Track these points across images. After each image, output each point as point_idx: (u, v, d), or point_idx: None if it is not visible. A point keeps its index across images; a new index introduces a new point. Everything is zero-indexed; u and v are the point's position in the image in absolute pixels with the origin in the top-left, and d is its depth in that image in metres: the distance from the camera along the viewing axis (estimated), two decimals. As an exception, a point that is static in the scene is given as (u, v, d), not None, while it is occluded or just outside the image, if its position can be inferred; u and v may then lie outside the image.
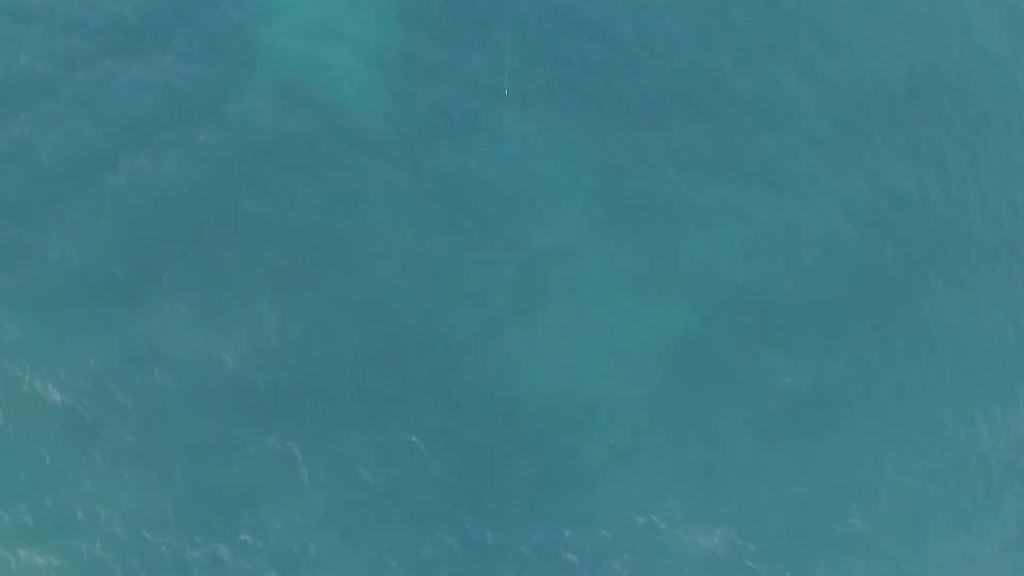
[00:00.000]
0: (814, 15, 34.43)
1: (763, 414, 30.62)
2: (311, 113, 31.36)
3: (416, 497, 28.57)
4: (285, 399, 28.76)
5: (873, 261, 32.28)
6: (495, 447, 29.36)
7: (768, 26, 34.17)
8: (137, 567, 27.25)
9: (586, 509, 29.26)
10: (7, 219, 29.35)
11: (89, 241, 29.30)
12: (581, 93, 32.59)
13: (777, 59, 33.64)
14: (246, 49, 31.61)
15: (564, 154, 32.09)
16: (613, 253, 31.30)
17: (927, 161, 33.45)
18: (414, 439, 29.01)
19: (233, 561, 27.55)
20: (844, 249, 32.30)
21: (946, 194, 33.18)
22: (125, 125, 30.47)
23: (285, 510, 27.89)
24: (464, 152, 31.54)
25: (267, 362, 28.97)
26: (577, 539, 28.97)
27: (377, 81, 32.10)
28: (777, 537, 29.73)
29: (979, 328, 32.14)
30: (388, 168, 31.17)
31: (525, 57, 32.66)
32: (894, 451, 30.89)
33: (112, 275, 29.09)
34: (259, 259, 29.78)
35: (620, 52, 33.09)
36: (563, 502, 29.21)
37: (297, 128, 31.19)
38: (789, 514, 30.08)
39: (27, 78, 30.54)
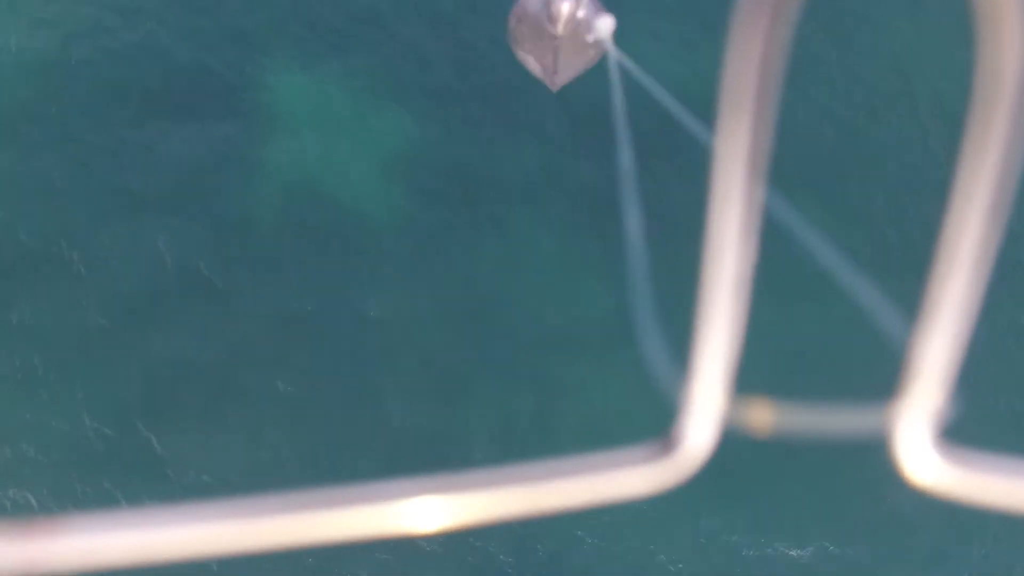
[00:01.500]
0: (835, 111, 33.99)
1: (785, 534, 29.59)
2: (313, 222, 30.88)
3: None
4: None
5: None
6: (510, 557, 28.51)
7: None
8: None
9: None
10: None
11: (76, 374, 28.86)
12: (594, 201, 32.16)
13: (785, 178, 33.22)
14: (242, 162, 31.26)
15: (580, 268, 31.59)
16: (631, 378, 30.55)
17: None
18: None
19: None
20: (864, 365, 31.44)
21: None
22: (116, 234, 30.16)
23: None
24: (480, 257, 30.99)
25: (265, 484, 28.16)
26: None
27: (384, 189, 31.75)
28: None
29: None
30: (393, 282, 30.64)
31: (535, 172, 32.32)
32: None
33: (99, 395, 28.58)
34: (259, 381, 29.14)
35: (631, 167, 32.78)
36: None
37: (296, 242, 30.77)
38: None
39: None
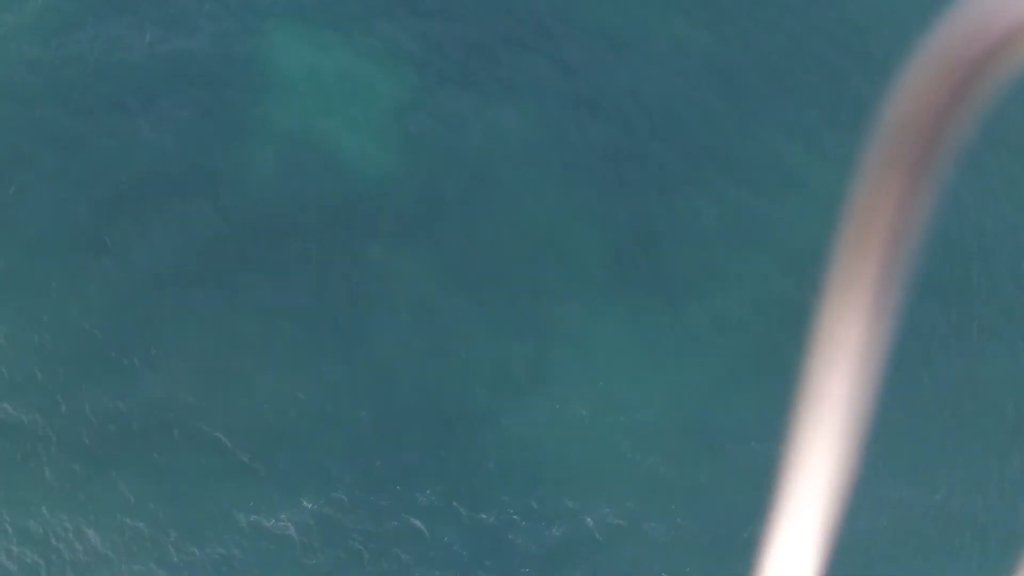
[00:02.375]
0: (823, 98, 34.08)
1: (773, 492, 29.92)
2: (310, 187, 31.04)
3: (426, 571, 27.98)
4: (285, 481, 28.17)
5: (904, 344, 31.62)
6: (502, 524, 28.73)
7: (777, 104, 33.92)
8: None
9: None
10: None
11: (77, 316, 28.87)
12: (589, 166, 32.25)
13: (787, 136, 33.29)
14: (246, 130, 31.31)
15: (572, 227, 31.70)
16: (623, 325, 30.82)
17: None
18: (417, 519, 28.39)
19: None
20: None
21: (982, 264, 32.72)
22: (112, 198, 30.17)
23: (283, 591, 27.37)
24: (479, 218, 31.19)
25: (267, 445, 28.40)
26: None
27: (381, 159, 31.85)
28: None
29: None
30: (390, 246, 30.82)
31: (530, 132, 32.34)
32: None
33: (108, 346, 28.68)
34: (255, 336, 29.29)
35: (624, 130, 32.84)
36: (575, 573, 28.58)
37: (295, 202, 30.86)
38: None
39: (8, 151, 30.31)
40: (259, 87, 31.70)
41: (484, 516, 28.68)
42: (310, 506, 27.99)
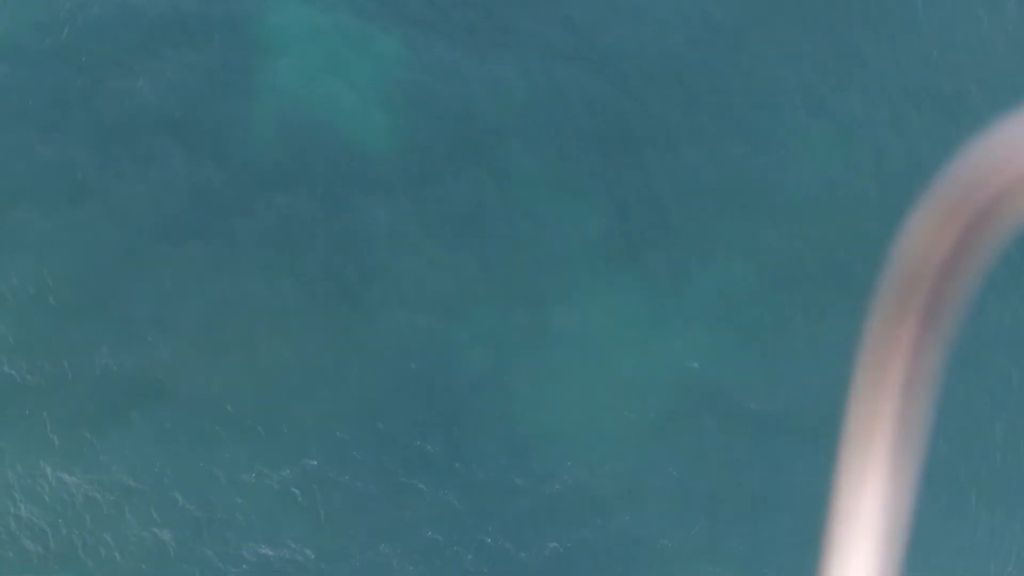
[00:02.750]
0: (824, 58, 33.97)
1: (774, 449, 30.16)
2: (313, 150, 31.05)
3: (420, 537, 28.25)
4: (286, 437, 28.46)
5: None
6: (501, 484, 29.02)
7: (778, 66, 33.81)
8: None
9: (595, 545, 28.90)
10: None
11: (83, 273, 29.13)
12: (588, 131, 32.22)
13: (787, 96, 33.20)
14: (247, 81, 31.26)
15: (571, 190, 31.74)
16: (620, 291, 30.92)
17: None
18: (418, 481, 28.67)
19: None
20: (851, 284, 31.85)
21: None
22: (121, 160, 30.20)
23: (285, 549, 27.62)
24: (471, 186, 31.23)
25: (267, 398, 28.68)
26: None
27: (382, 119, 31.80)
28: (790, 574, 29.35)
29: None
30: (391, 207, 30.87)
31: (530, 95, 32.28)
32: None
33: (110, 309, 28.87)
34: (260, 301, 29.46)
35: (626, 82, 32.74)
36: (571, 538, 28.86)
37: (298, 165, 30.89)
38: (801, 550, 29.61)
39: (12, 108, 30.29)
40: (260, 45, 31.59)
41: (484, 476, 28.95)
42: (314, 463, 28.28)
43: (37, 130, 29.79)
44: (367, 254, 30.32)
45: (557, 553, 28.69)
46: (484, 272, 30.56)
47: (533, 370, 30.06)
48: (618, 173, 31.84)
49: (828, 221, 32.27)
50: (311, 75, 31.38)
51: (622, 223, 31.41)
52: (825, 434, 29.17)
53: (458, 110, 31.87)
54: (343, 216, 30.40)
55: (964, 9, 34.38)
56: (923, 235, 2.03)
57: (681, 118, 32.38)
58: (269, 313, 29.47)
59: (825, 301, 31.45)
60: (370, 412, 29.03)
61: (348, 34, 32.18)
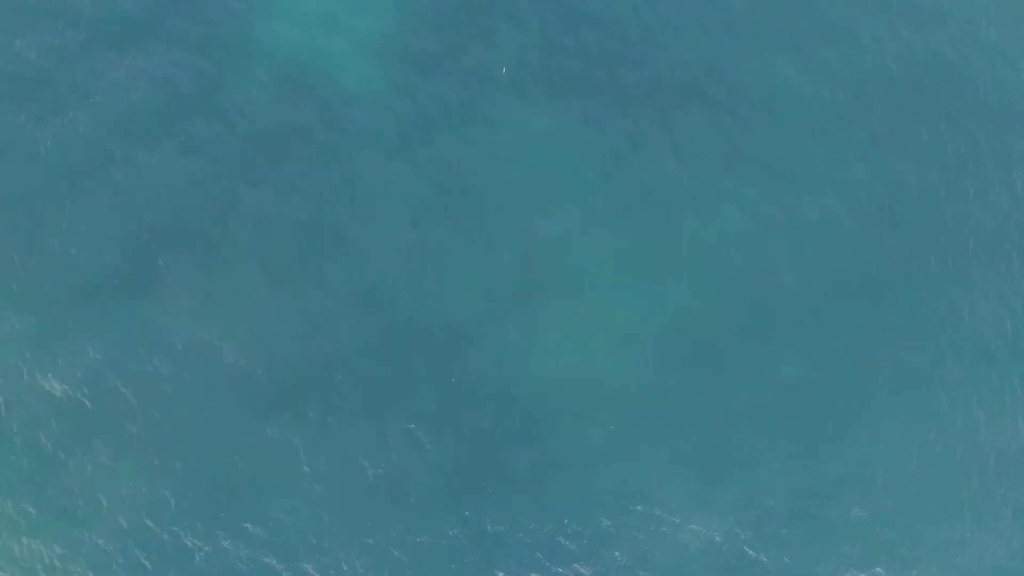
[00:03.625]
0: (815, 4, 34.21)
1: (762, 401, 30.76)
2: (309, 103, 31.26)
3: (416, 485, 28.74)
4: (285, 389, 28.87)
5: (872, 249, 32.31)
6: (494, 434, 29.50)
7: (768, 15, 33.97)
8: (139, 555, 27.46)
9: (585, 497, 29.46)
10: (5, 212, 29.24)
11: (88, 233, 29.28)
12: (580, 81, 32.45)
13: (778, 48, 33.45)
14: (244, 40, 31.41)
15: (563, 142, 32.01)
16: (612, 240, 31.29)
17: (927, 150, 33.38)
18: (413, 427, 29.13)
19: (234, 549, 27.75)
20: (843, 237, 32.34)
21: (946, 183, 33.14)
22: (124, 118, 30.28)
23: (286, 499, 28.07)
24: (463, 141, 31.50)
25: (266, 352, 29.02)
26: (576, 527, 29.18)
27: (376, 71, 31.93)
28: (776, 525, 29.97)
29: (977, 317, 32.22)
30: (386, 158, 31.12)
31: (524, 46, 32.45)
32: (892, 439, 31.09)
33: (111, 267, 29.11)
34: (258, 250, 29.75)
35: (619, 41, 32.90)
36: (562, 490, 29.40)
37: (295, 118, 31.12)
38: (788, 501, 30.32)
39: (23, 70, 30.27)
40: (257, 15, 31.76)
41: (478, 425, 29.40)
42: (312, 415, 28.69)
43: (47, 102, 30.11)
44: (361, 201, 30.57)
45: (551, 502, 29.23)
46: (475, 219, 30.83)
47: (524, 318, 30.43)
48: (612, 121, 32.07)
49: (816, 170, 32.69)
50: (310, 31, 31.46)
51: (613, 173, 31.70)
52: (818, 386, 29.76)
53: (451, 60, 32.04)
54: (338, 164, 30.65)
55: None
56: None
57: (680, 76, 32.67)
58: (264, 261, 29.77)
59: (815, 250, 31.97)
60: (364, 359, 29.39)
61: None
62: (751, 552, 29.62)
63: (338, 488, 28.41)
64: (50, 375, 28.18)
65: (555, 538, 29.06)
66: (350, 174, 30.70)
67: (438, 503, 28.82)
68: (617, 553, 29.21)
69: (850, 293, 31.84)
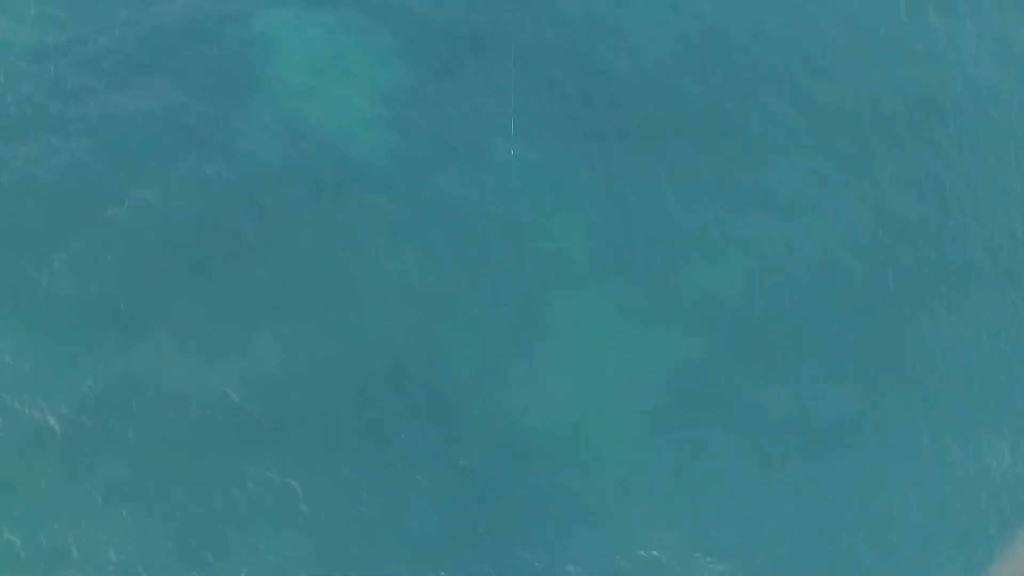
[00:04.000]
0: (809, 48, 34.29)
1: (766, 444, 30.36)
2: (315, 146, 31.71)
3: (416, 530, 28.41)
4: (286, 432, 28.74)
5: (874, 289, 32.17)
6: (496, 480, 29.17)
7: (764, 59, 34.07)
8: (133, 598, 27.24)
9: (588, 542, 29.00)
10: (11, 248, 29.60)
11: (93, 271, 29.49)
12: (581, 125, 32.53)
13: (775, 91, 33.46)
14: (252, 84, 31.88)
15: (565, 185, 32.06)
16: (614, 284, 31.23)
17: (926, 190, 33.32)
18: (415, 473, 28.87)
19: (230, 592, 27.50)
20: (844, 277, 32.16)
21: (945, 223, 33.04)
22: (130, 156, 30.56)
23: (284, 544, 27.73)
24: (464, 184, 31.80)
25: (268, 394, 28.96)
26: (579, 573, 28.80)
27: (380, 115, 32.31)
28: (781, 569, 29.51)
29: (982, 358, 31.88)
30: (390, 201, 31.42)
31: (527, 91, 32.58)
32: (899, 482, 30.58)
33: (115, 305, 29.30)
34: (262, 291, 29.88)
35: (620, 86, 33.03)
36: (564, 535, 28.98)
37: (301, 161, 31.41)
38: (793, 545, 29.83)
39: (36, 111, 30.65)
40: (263, 59, 32.34)
41: (477, 469, 29.10)
42: (309, 454, 28.57)
43: (58, 133, 30.53)
44: (362, 248, 30.64)
45: (550, 548, 28.87)
46: (476, 262, 30.86)
47: (525, 361, 30.29)
48: (612, 171, 32.08)
49: (821, 219, 32.57)
50: (308, 86, 32.22)
51: (614, 217, 31.65)
52: (814, 434, 29.34)
53: (452, 103, 32.22)
54: (339, 210, 30.82)
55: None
56: None
57: (679, 119, 32.71)
58: (265, 302, 29.83)
59: (816, 301, 31.81)
60: (364, 405, 29.26)
61: (344, 51, 32.82)
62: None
63: (337, 532, 28.05)
64: (48, 414, 28.09)
65: (553, 582, 28.76)
66: (354, 217, 30.93)
67: (438, 548, 28.43)
68: (620, 598, 28.85)
69: (853, 333, 31.59)
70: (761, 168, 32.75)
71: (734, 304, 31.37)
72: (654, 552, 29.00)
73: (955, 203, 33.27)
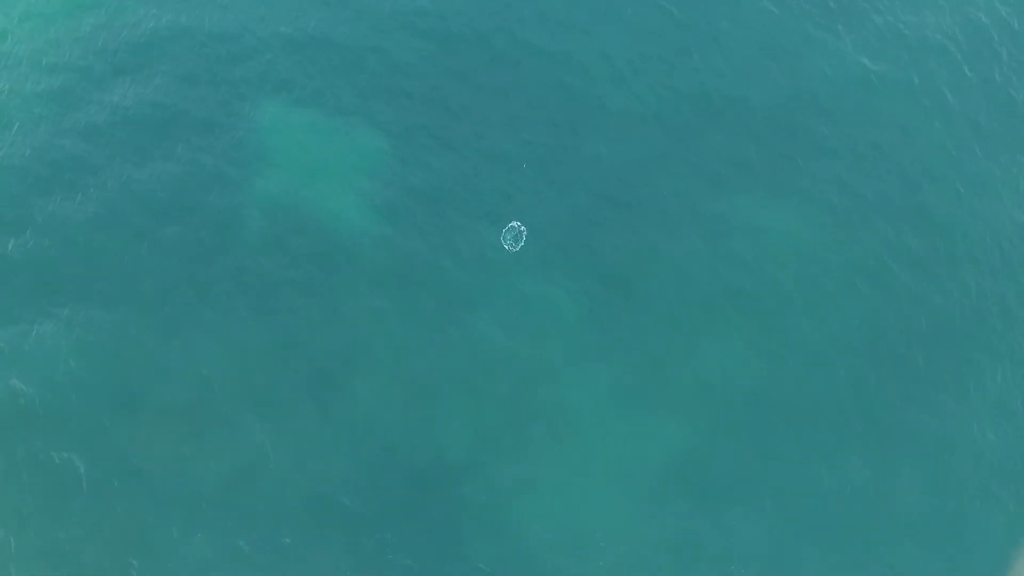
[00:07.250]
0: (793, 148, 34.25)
1: (767, 529, 29.32)
2: (303, 237, 32.01)
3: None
4: (270, 521, 28.23)
5: (873, 369, 31.46)
6: (490, 571, 28.27)
7: (745, 146, 34.28)
8: None
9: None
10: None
11: (76, 355, 29.76)
12: (570, 210, 32.65)
13: (756, 184, 33.53)
14: (247, 191, 32.41)
15: (554, 272, 31.75)
16: (606, 371, 30.70)
17: (925, 272, 32.94)
18: (407, 563, 28.10)
19: None
20: (842, 356, 31.46)
21: (947, 303, 32.44)
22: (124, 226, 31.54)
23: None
24: (453, 274, 31.61)
25: (254, 483, 28.59)
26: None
27: (370, 207, 32.54)
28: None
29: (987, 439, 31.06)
30: (380, 292, 31.25)
31: (515, 182, 32.95)
32: (912, 562, 29.48)
33: (103, 390, 29.39)
34: (251, 381, 29.75)
35: (608, 173, 33.30)
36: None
37: (289, 252, 31.77)
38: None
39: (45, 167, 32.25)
40: (254, 154, 33.09)
41: (467, 560, 28.28)
42: (288, 541, 27.87)
43: (55, 222, 31.58)
44: (349, 338, 30.61)
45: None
46: (465, 351, 30.58)
47: (515, 452, 29.69)
48: (598, 254, 31.96)
49: (811, 303, 32.16)
50: (298, 178, 32.75)
51: (605, 303, 31.32)
52: (827, 516, 28.18)
53: (442, 197, 32.54)
54: (326, 301, 31.00)
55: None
56: None
57: (644, 202, 32.75)
58: (251, 393, 29.65)
59: (812, 378, 31.17)
60: (350, 493, 28.64)
61: (332, 144, 33.36)
62: None
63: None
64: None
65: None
66: (342, 305, 30.98)
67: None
68: None
69: (852, 412, 30.89)
70: (748, 255, 32.57)
71: (729, 388, 30.67)
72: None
73: (956, 289, 33.02)
